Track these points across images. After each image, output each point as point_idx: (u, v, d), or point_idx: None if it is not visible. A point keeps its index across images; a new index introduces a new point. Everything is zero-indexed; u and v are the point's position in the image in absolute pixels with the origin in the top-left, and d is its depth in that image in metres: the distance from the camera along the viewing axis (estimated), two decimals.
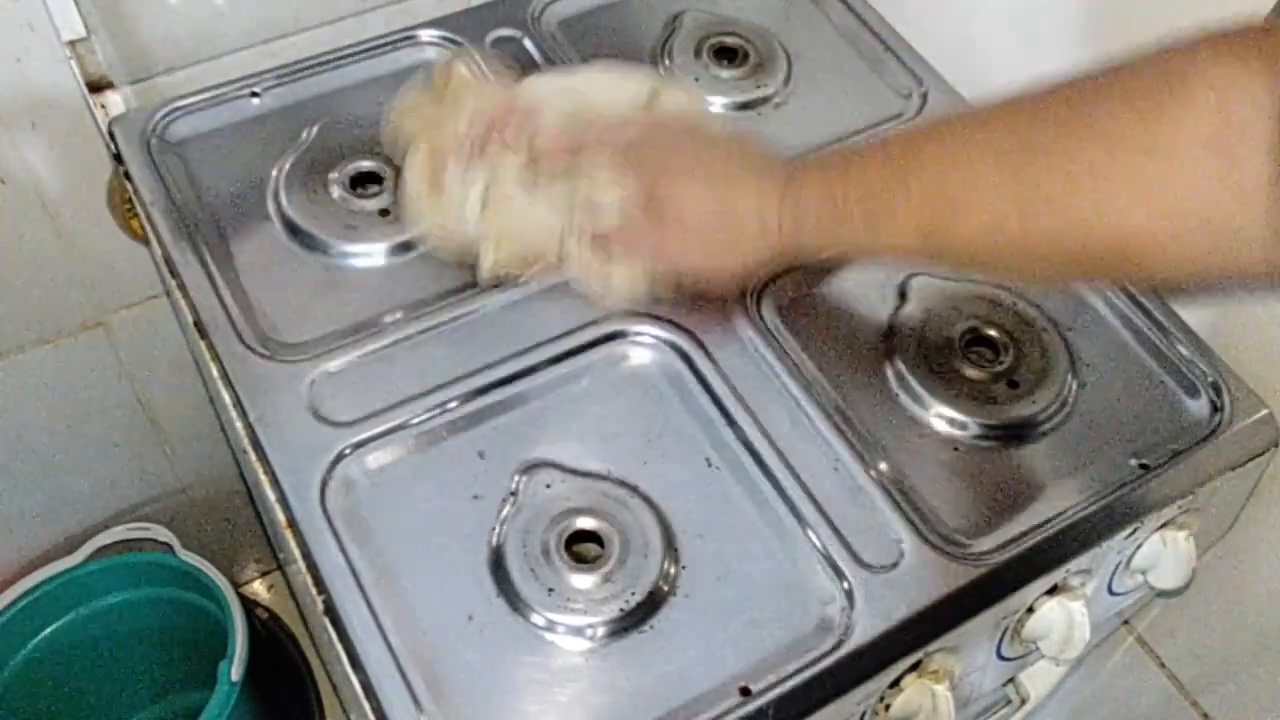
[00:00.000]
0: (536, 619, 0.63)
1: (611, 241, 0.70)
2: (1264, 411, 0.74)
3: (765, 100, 0.89)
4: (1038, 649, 0.72)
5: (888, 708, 0.65)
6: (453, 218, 0.73)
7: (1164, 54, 0.51)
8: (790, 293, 0.79)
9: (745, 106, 0.89)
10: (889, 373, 0.75)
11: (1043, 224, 0.53)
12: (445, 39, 0.90)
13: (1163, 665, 0.92)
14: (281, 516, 0.66)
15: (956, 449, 0.72)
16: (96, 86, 0.86)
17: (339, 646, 0.62)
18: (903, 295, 0.78)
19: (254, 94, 0.87)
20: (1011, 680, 0.81)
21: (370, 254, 0.78)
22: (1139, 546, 0.72)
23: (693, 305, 0.74)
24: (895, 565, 0.65)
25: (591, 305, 0.74)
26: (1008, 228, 0.54)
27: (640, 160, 0.68)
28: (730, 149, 0.68)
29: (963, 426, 0.73)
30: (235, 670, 1.04)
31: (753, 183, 0.65)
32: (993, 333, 0.76)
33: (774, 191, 0.63)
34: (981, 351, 0.76)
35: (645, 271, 0.71)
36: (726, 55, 0.91)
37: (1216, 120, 0.48)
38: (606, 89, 0.75)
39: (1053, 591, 0.69)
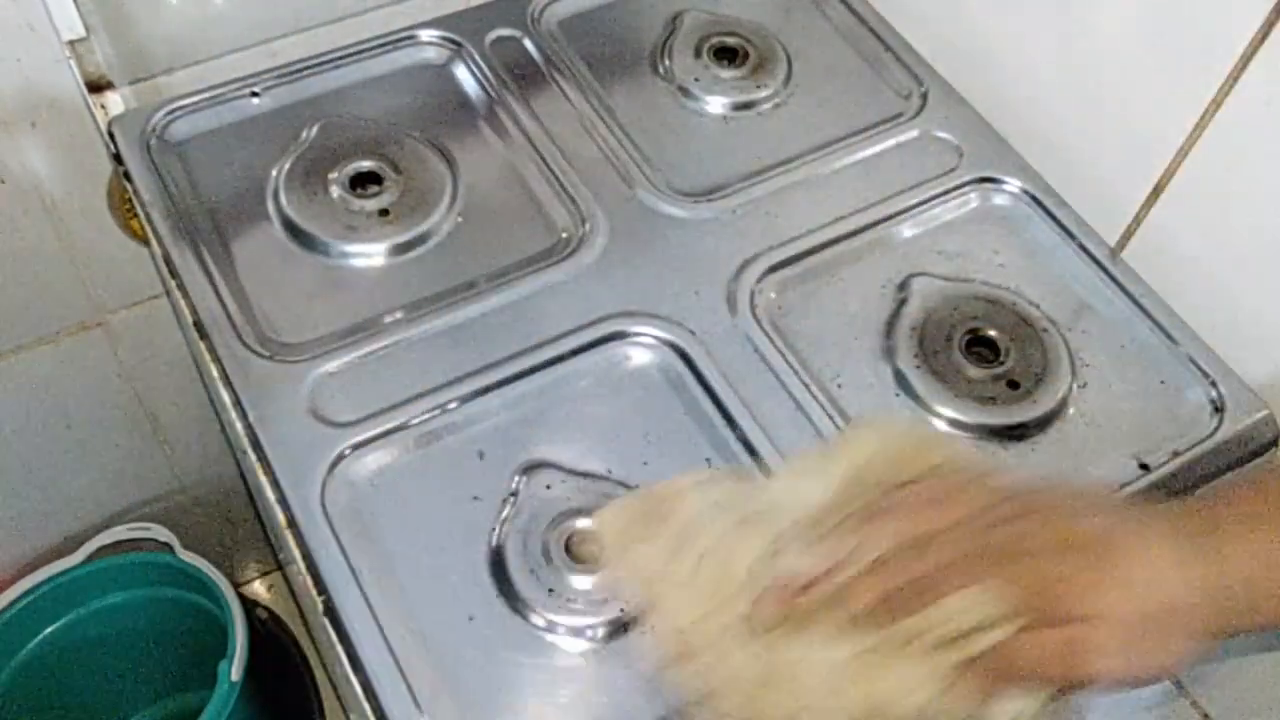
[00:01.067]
0: (536, 619, 0.63)
1: (998, 668, 0.50)
2: (1264, 412, 0.74)
3: (765, 100, 0.89)
4: None
5: None
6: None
7: None
8: (790, 293, 0.79)
9: (745, 106, 0.89)
10: (889, 373, 0.75)
11: None
12: (445, 39, 0.90)
13: None
14: (281, 516, 0.66)
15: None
16: (96, 86, 0.86)
17: (339, 646, 0.62)
18: (903, 295, 0.78)
19: (254, 94, 0.87)
20: None
21: (370, 254, 0.78)
22: None
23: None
24: None
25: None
26: None
27: (1007, 556, 0.50)
28: (1110, 512, 0.53)
29: (964, 427, 0.73)
30: (235, 670, 1.04)
31: (1171, 556, 0.51)
32: (993, 333, 0.76)
33: (1196, 563, 0.51)
34: (981, 351, 0.76)
35: (1040, 695, 0.52)
36: (726, 55, 0.91)
37: None
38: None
39: None
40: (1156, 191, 0.79)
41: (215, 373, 0.72)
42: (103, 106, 0.87)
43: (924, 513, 0.52)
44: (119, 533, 1.17)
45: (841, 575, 0.51)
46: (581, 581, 0.64)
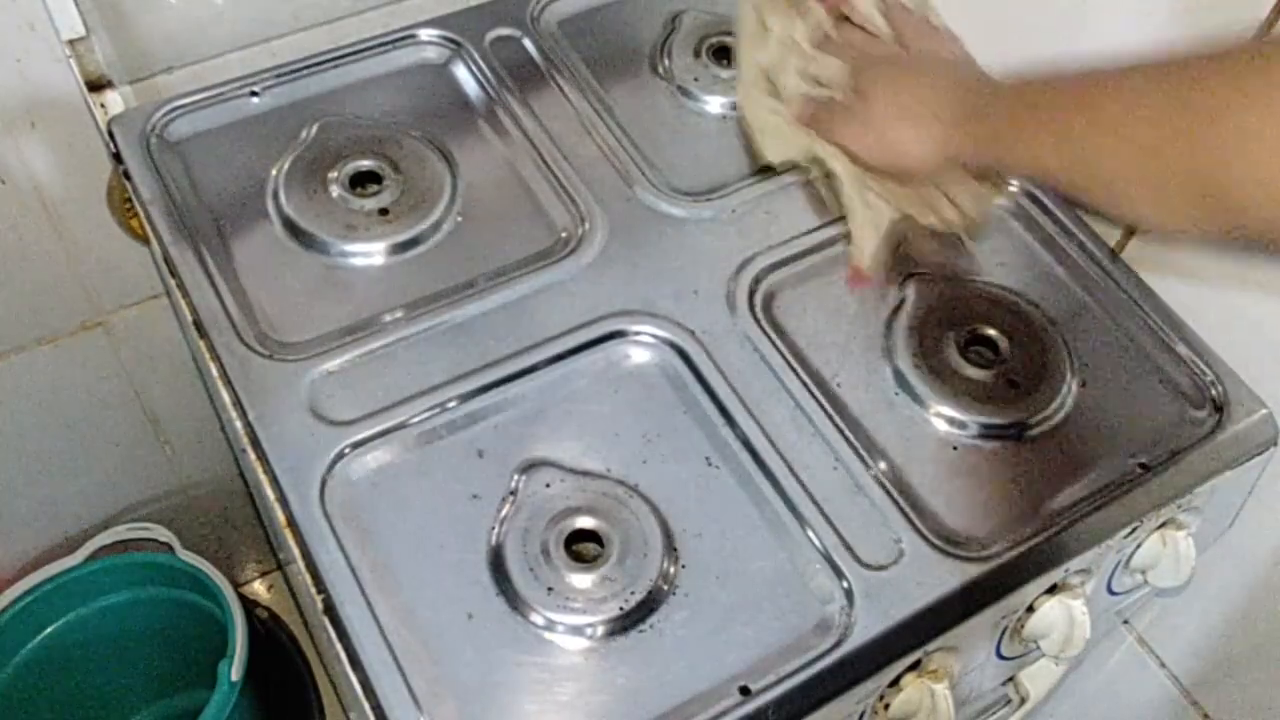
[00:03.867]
0: (536, 618, 0.63)
1: (813, 117, 0.77)
2: (1264, 411, 0.74)
3: None
4: (1038, 648, 0.72)
5: (887, 707, 0.65)
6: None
7: None
8: (789, 292, 0.79)
9: None
10: (889, 373, 0.75)
11: (1184, 160, 0.54)
12: (445, 38, 0.90)
13: (1163, 665, 0.92)
14: (281, 516, 0.66)
15: (956, 449, 0.72)
16: (96, 86, 0.86)
17: (339, 646, 0.62)
18: (902, 294, 0.78)
19: (254, 93, 0.87)
20: (1011, 679, 0.81)
21: (370, 253, 0.78)
22: (1138, 546, 0.72)
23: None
24: (895, 565, 0.65)
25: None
26: (1160, 160, 0.55)
27: (878, 68, 0.75)
28: (947, 64, 0.76)
29: (963, 426, 0.73)
30: (235, 670, 1.04)
31: (942, 88, 0.70)
32: (993, 333, 0.76)
33: (958, 98, 0.69)
34: (981, 351, 0.76)
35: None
36: (726, 55, 0.91)
37: None
38: None
39: (1052, 591, 0.69)
40: None
41: (215, 372, 0.72)
42: (103, 106, 0.87)
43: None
44: (119, 533, 1.17)
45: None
46: (581, 580, 0.64)
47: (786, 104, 0.80)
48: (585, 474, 0.69)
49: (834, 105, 0.76)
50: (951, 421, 0.73)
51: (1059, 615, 0.68)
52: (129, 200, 0.86)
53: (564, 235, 0.80)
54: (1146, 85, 0.57)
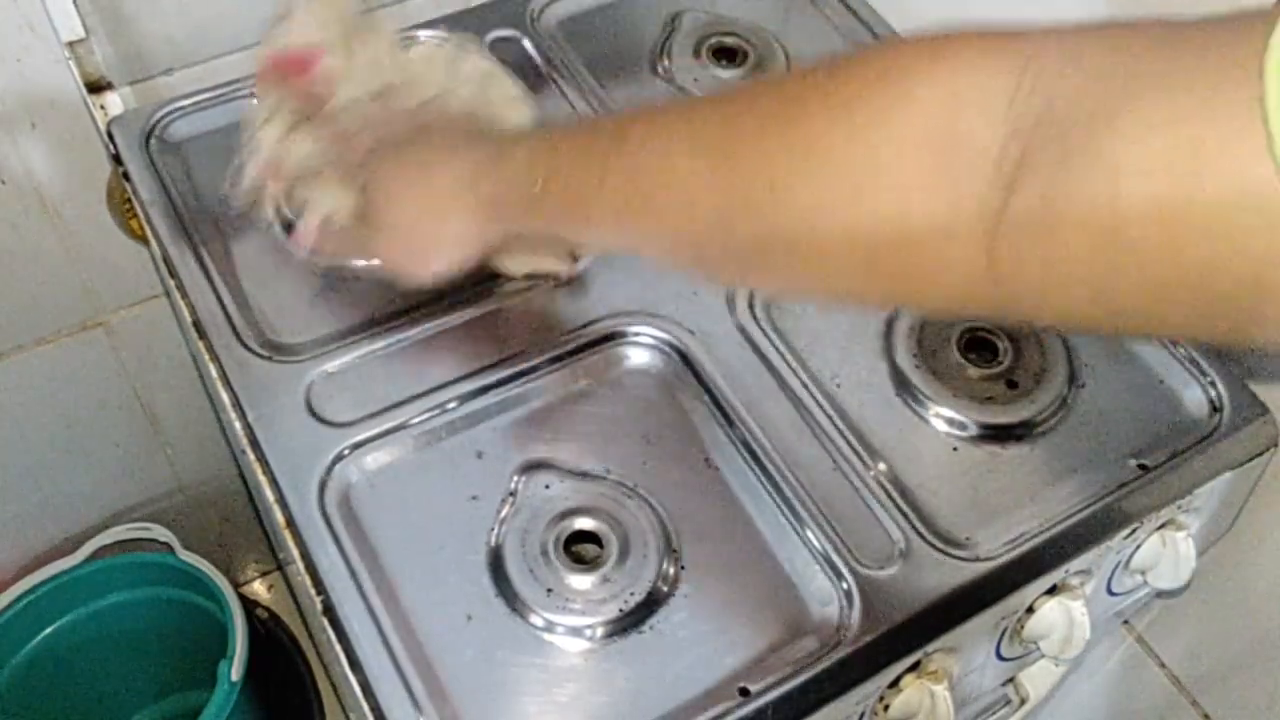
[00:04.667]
0: (535, 619, 0.63)
1: (327, 240, 0.70)
2: (1264, 413, 0.74)
3: None
4: (1038, 649, 0.72)
5: (887, 708, 0.65)
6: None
7: (882, 50, 0.47)
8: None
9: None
10: (888, 373, 0.75)
11: (742, 225, 0.48)
12: (444, 39, 0.90)
13: (1163, 665, 0.92)
14: (281, 516, 0.66)
15: (956, 449, 0.72)
16: (95, 87, 0.86)
17: (338, 646, 0.62)
18: None
19: (254, 94, 0.86)
20: (1011, 680, 0.81)
21: None
22: (1138, 546, 0.72)
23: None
24: (894, 566, 0.65)
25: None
26: (703, 226, 0.49)
27: (375, 163, 0.66)
28: (454, 137, 0.64)
29: (963, 426, 0.73)
30: (235, 670, 1.04)
31: (457, 166, 0.61)
32: (992, 333, 0.76)
33: (477, 174, 0.60)
34: (981, 352, 0.76)
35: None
36: (726, 55, 0.91)
37: (934, 122, 0.42)
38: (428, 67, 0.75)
39: (1052, 591, 0.69)
40: None
41: (214, 373, 0.72)
42: (102, 107, 0.87)
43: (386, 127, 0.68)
44: (119, 533, 1.17)
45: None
46: (580, 581, 0.64)
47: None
48: (585, 475, 0.69)
49: (345, 230, 0.68)
50: (951, 422, 0.73)
51: (1059, 616, 0.68)
52: (129, 201, 0.86)
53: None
54: (681, 128, 0.51)
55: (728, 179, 0.48)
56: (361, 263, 0.74)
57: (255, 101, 0.74)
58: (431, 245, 0.64)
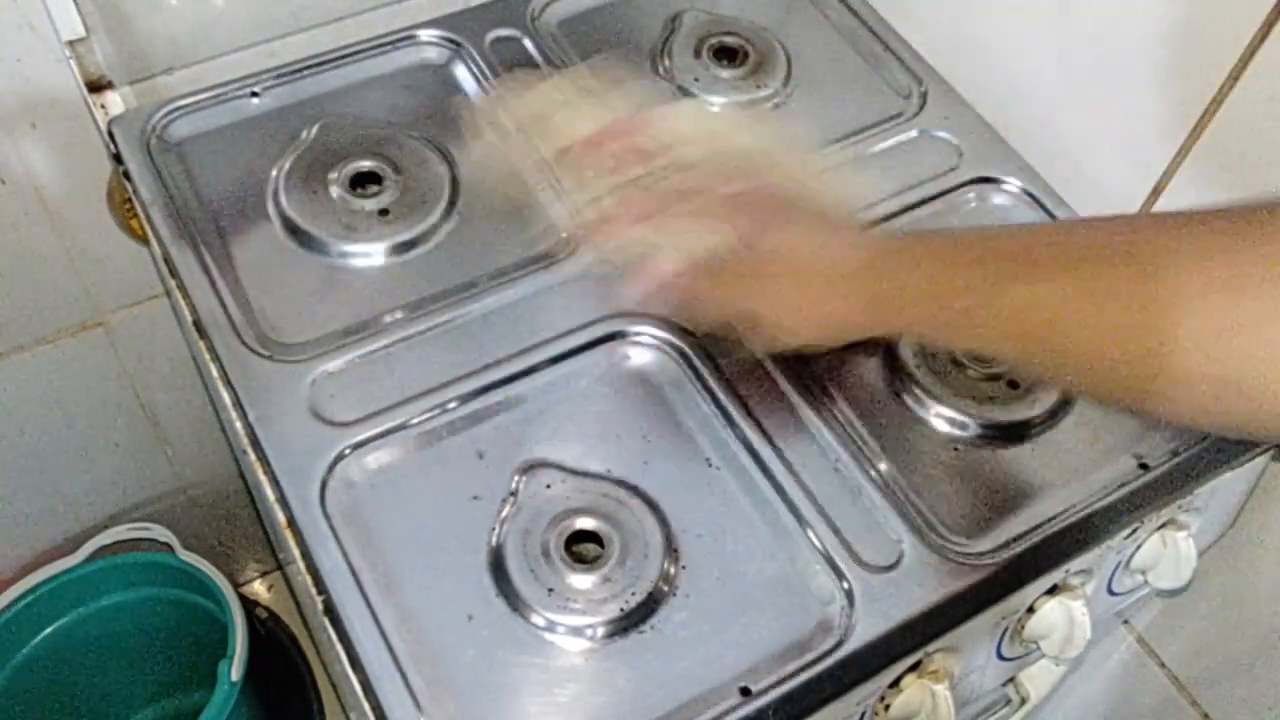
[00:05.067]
0: (536, 619, 0.63)
1: (674, 287, 0.67)
2: None
3: (765, 100, 0.89)
4: (1038, 649, 0.72)
5: (888, 708, 0.65)
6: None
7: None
8: None
9: (745, 107, 0.89)
10: (889, 373, 0.75)
11: (1145, 367, 0.51)
12: (445, 39, 0.90)
13: (1163, 665, 0.92)
14: (281, 516, 0.66)
15: (956, 449, 0.72)
16: (96, 86, 0.86)
17: (339, 646, 0.62)
18: None
19: (254, 94, 0.87)
20: (1011, 680, 0.81)
21: (370, 254, 0.78)
22: (1139, 546, 0.72)
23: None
24: (895, 565, 0.65)
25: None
26: (1106, 367, 0.53)
27: (743, 210, 0.65)
28: (826, 214, 0.67)
29: (963, 426, 0.73)
30: (235, 670, 1.04)
31: (839, 250, 0.63)
32: None
33: (862, 268, 0.62)
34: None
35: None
36: (726, 55, 0.91)
37: None
38: (733, 129, 0.74)
39: (1053, 591, 0.69)
40: (1156, 192, 0.79)
41: (215, 372, 0.72)
42: (103, 106, 0.87)
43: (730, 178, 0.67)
44: (119, 533, 1.17)
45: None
46: (581, 581, 0.64)
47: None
48: (585, 475, 0.69)
49: (718, 265, 0.65)
50: (951, 422, 0.73)
51: (1059, 616, 0.68)
52: (129, 200, 0.86)
53: (564, 236, 0.80)
54: (1086, 271, 0.53)
55: (1142, 326, 0.50)
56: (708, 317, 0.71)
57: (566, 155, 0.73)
58: (815, 313, 0.63)
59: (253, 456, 0.68)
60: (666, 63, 0.91)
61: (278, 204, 0.80)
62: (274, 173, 0.82)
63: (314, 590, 0.63)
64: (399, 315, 0.75)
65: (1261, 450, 0.73)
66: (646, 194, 0.67)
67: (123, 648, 1.19)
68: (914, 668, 0.64)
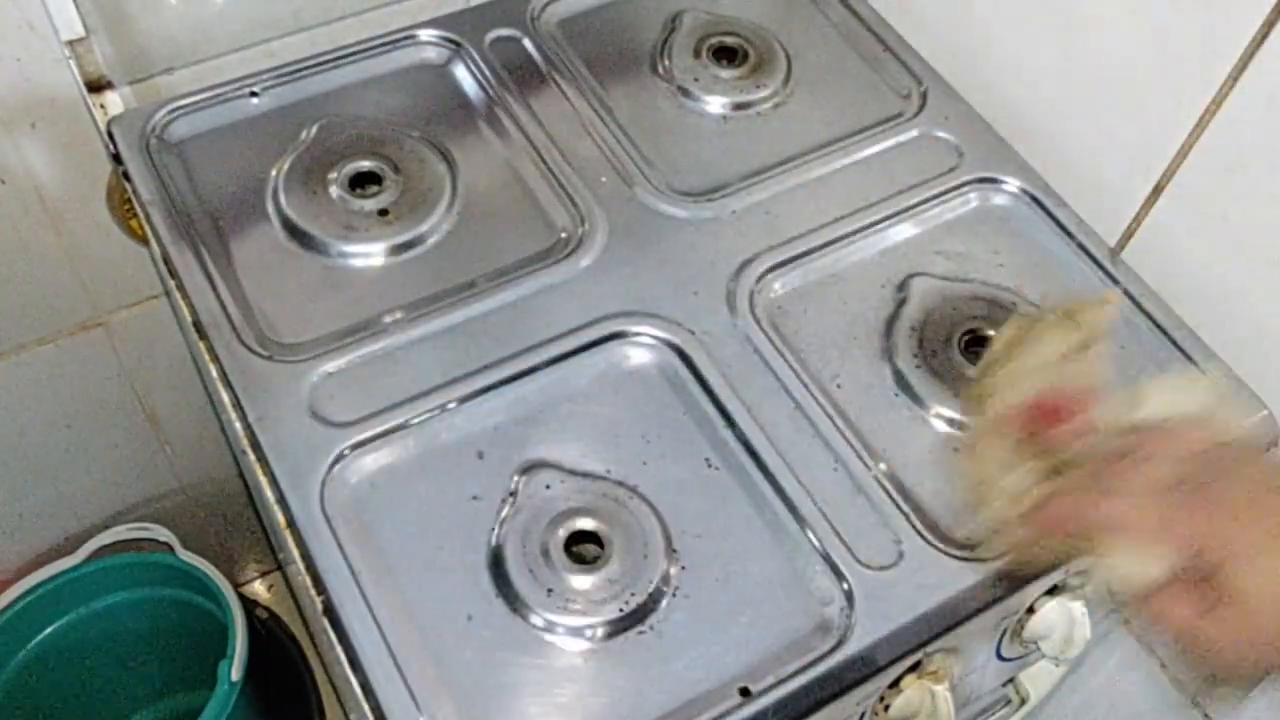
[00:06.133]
0: (536, 619, 0.63)
1: (1138, 608, 0.53)
2: (1264, 412, 0.74)
3: (765, 100, 0.89)
4: (1038, 649, 0.72)
5: (887, 708, 0.65)
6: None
7: None
8: (790, 293, 0.79)
9: (745, 106, 0.89)
10: (889, 373, 0.75)
11: None
12: (445, 39, 0.90)
13: (1163, 665, 0.92)
14: (281, 516, 0.66)
15: (956, 449, 0.72)
16: (96, 86, 0.86)
17: (339, 647, 0.62)
18: (902, 295, 0.78)
19: (253, 94, 0.87)
20: (1011, 680, 0.81)
21: (370, 254, 0.78)
22: None
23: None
24: (895, 565, 0.65)
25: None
26: None
27: (1189, 510, 0.51)
28: None
29: (963, 426, 0.72)
30: (235, 670, 1.04)
31: None
32: (992, 333, 0.76)
33: None
34: (981, 351, 0.76)
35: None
36: (726, 55, 0.91)
37: None
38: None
39: (1053, 591, 0.69)
40: (1156, 191, 0.79)
41: (215, 373, 0.72)
42: (102, 106, 0.87)
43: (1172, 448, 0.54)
44: (119, 533, 1.17)
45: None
46: (581, 581, 0.64)
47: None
48: (585, 475, 0.69)
49: (1176, 584, 0.51)
50: (951, 422, 0.73)
51: (1059, 616, 0.68)
52: (129, 200, 0.86)
53: (564, 236, 0.80)
54: None
55: None
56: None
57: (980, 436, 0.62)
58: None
59: (253, 456, 0.68)
60: (666, 63, 0.91)
61: (277, 204, 0.80)
62: (274, 173, 0.82)
63: (314, 590, 0.63)
64: (399, 315, 0.75)
65: (1261, 450, 0.73)
66: (1075, 492, 0.55)
67: (123, 648, 1.19)
68: (914, 668, 0.64)
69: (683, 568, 0.66)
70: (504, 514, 0.67)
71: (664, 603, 0.65)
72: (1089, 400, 0.59)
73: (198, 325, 0.74)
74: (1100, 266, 0.80)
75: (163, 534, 1.17)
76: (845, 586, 0.65)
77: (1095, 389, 0.60)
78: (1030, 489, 0.58)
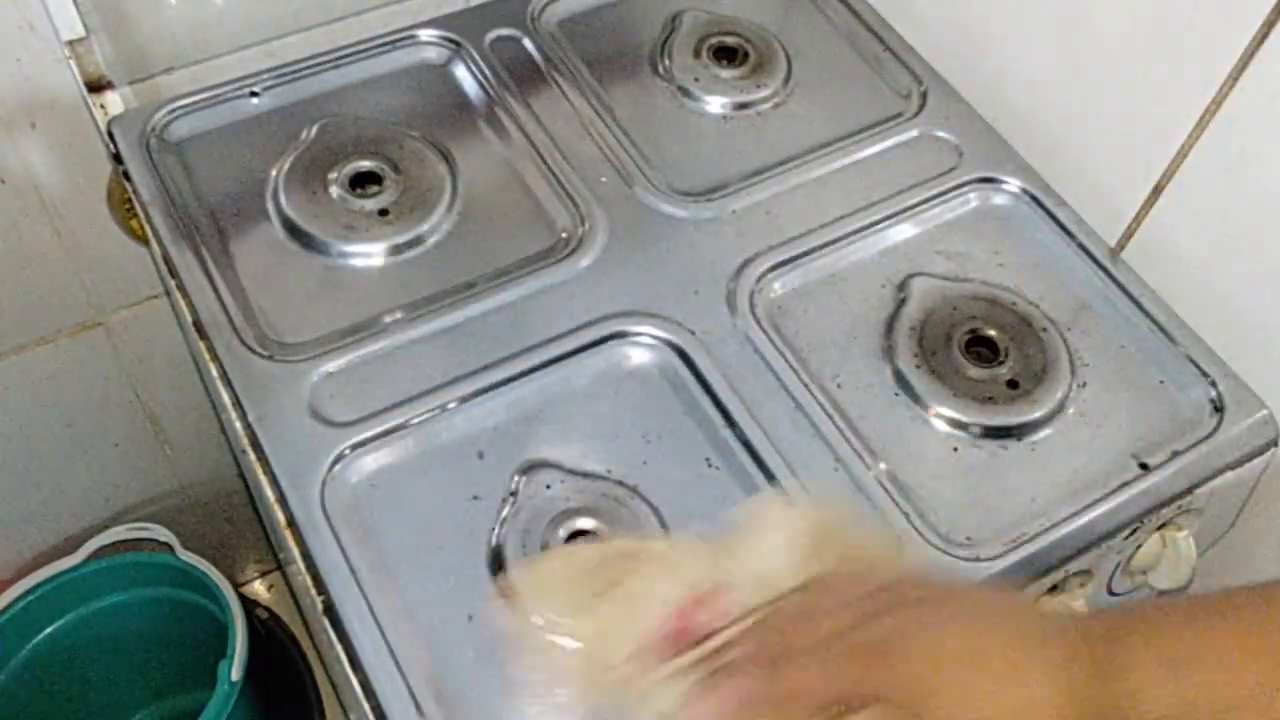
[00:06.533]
0: (536, 619, 0.63)
1: None
2: (1264, 412, 0.74)
3: (765, 100, 0.89)
4: None
5: None
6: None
7: None
8: (790, 292, 0.79)
9: (745, 106, 0.89)
10: (889, 373, 0.75)
11: None
12: (445, 38, 0.90)
13: None
14: (281, 516, 0.66)
15: (956, 449, 0.72)
16: (96, 86, 0.86)
17: (339, 646, 0.62)
18: (902, 295, 0.78)
19: (254, 94, 0.87)
20: None
21: (370, 254, 0.78)
22: (1139, 546, 0.72)
23: None
24: None
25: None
26: None
27: (878, 656, 0.47)
28: (1001, 619, 0.49)
29: (963, 426, 0.72)
30: (235, 670, 1.04)
31: (1046, 668, 0.46)
32: (993, 333, 0.76)
33: (1080, 675, 0.46)
34: (981, 351, 0.76)
35: None
36: (726, 55, 0.91)
37: None
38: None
39: (1053, 592, 0.69)
40: (1156, 191, 0.79)
41: (215, 373, 0.72)
42: (102, 106, 0.87)
43: (805, 625, 0.49)
44: (119, 533, 1.17)
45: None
46: None
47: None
48: (585, 475, 0.69)
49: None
50: (951, 422, 0.73)
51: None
52: (129, 200, 0.86)
53: (564, 236, 0.80)
54: None
55: None
56: None
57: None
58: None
59: (253, 456, 0.68)
60: (666, 63, 0.91)
61: (277, 204, 0.80)
62: (274, 173, 0.82)
63: (314, 590, 0.63)
64: (399, 315, 0.75)
65: (1261, 450, 0.73)
66: (744, 671, 0.50)
67: (123, 648, 1.19)
68: None
69: None
70: (504, 514, 0.67)
71: None
72: (717, 595, 0.52)
73: (198, 325, 0.74)
74: (1100, 266, 0.80)
75: (163, 534, 1.17)
76: None
77: (718, 587, 0.52)
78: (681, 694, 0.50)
